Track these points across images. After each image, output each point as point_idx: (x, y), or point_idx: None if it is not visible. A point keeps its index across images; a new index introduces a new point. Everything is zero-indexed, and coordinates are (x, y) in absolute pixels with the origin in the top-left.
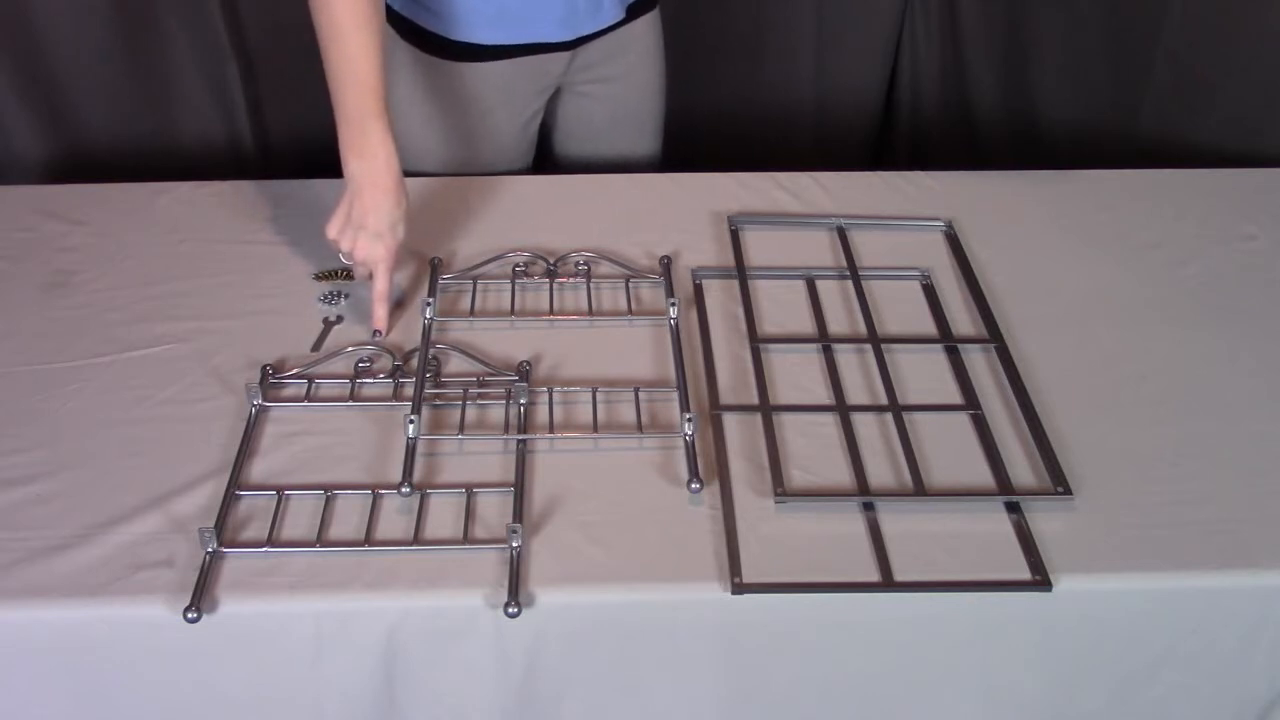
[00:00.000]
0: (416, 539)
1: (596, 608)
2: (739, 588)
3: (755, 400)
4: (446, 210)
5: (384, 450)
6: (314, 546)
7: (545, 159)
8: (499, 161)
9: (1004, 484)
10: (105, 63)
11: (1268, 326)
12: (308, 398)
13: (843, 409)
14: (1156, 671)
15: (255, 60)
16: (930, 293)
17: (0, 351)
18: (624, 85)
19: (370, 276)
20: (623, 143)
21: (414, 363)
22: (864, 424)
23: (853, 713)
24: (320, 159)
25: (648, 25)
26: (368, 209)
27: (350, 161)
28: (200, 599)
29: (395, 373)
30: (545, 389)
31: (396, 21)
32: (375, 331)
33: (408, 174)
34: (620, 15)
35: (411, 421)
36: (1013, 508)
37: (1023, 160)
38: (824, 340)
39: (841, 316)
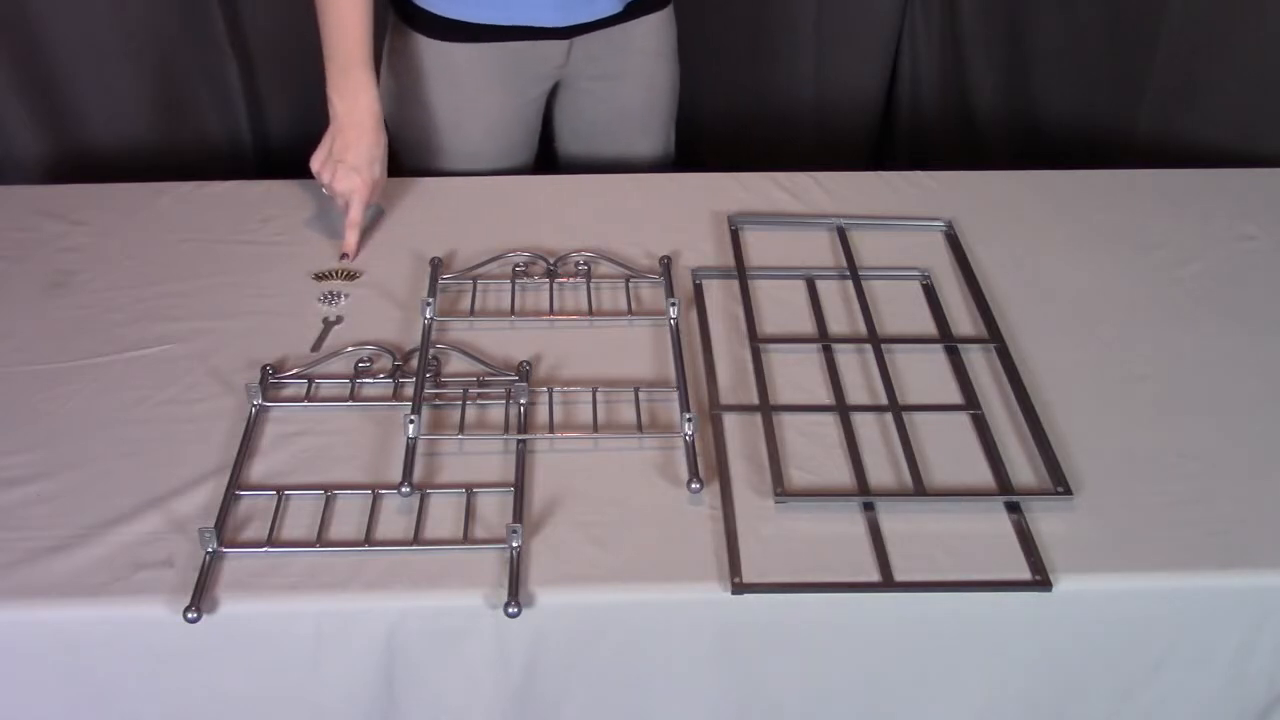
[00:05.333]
0: (416, 539)
1: (596, 608)
2: (739, 588)
3: (755, 400)
4: (446, 210)
5: (384, 450)
6: (314, 546)
7: (549, 159)
8: (488, 146)
9: (1004, 484)
10: (105, 62)
11: (1268, 326)
12: (308, 398)
13: (843, 409)
14: (1156, 672)
15: (255, 60)
16: (930, 293)
17: (0, 351)
18: (628, 84)
19: (346, 208)
20: (627, 143)
21: (414, 363)
22: (864, 424)
23: (852, 713)
24: None
25: (656, 25)
26: (348, 144)
27: (335, 101)
28: (200, 599)
29: (395, 373)
30: (545, 389)
31: (396, 1)
32: (343, 255)
33: (407, 172)
34: (617, 8)
35: (411, 421)
36: (1013, 508)
37: (1023, 160)
38: (824, 340)
39: (841, 316)
